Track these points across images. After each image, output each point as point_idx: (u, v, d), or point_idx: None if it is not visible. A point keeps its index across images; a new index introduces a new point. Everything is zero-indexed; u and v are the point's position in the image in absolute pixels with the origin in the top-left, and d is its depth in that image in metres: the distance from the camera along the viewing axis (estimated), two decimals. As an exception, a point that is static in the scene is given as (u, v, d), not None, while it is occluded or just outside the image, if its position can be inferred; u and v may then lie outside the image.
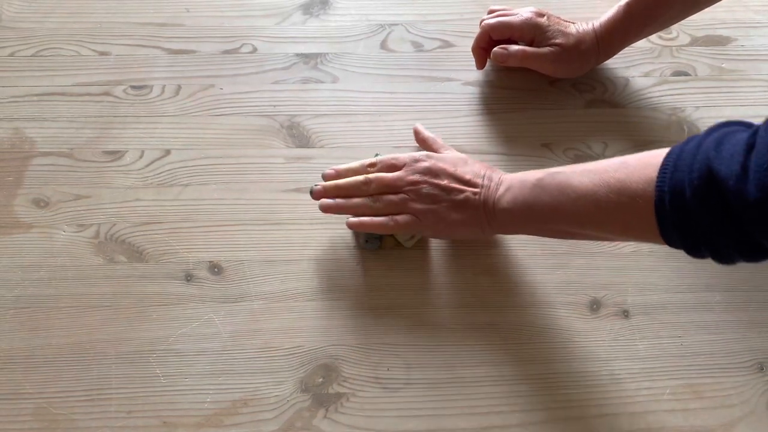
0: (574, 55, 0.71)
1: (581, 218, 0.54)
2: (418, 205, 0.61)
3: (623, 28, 0.71)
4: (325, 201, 0.63)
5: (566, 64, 0.72)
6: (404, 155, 0.63)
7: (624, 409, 0.60)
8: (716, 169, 0.43)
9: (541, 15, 0.72)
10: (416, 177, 0.61)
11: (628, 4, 0.70)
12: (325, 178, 0.64)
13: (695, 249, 0.47)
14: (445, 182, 0.60)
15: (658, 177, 0.47)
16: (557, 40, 0.71)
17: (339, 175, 0.64)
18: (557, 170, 0.56)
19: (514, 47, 0.72)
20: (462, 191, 0.60)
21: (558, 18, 0.73)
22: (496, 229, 0.61)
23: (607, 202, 0.51)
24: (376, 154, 0.66)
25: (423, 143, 0.69)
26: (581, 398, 0.61)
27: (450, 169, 0.61)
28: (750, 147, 0.42)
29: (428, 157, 0.62)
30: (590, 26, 0.72)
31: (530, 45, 0.73)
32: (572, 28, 0.72)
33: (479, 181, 0.60)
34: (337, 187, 0.63)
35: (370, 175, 0.62)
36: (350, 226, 0.63)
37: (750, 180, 0.41)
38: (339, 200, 0.62)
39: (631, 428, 0.60)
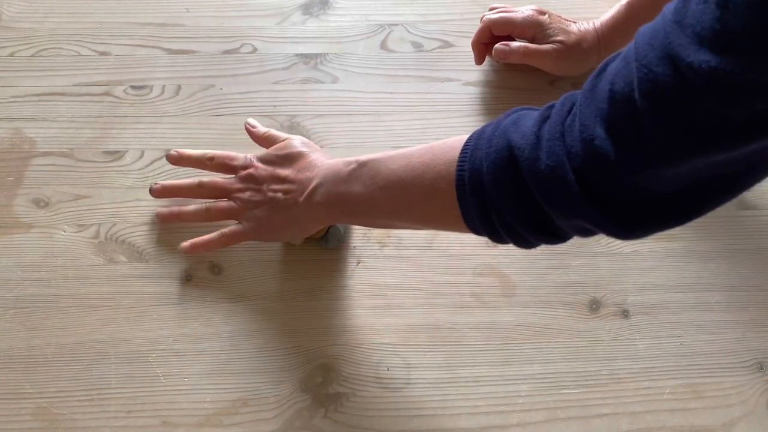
0: (575, 53, 0.71)
1: (392, 208, 0.53)
2: (245, 213, 0.61)
3: (624, 27, 0.71)
4: (161, 211, 0.65)
5: (567, 62, 0.72)
6: (240, 157, 0.63)
7: (624, 408, 0.60)
8: (512, 140, 0.43)
9: (543, 13, 0.72)
10: (241, 185, 0.62)
11: (629, 3, 0.70)
12: (169, 158, 0.65)
13: (494, 231, 0.46)
14: (264, 186, 0.60)
15: (459, 157, 0.46)
16: (559, 38, 0.71)
17: (181, 158, 0.65)
18: (370, 157, 0.54)
19: (516, 43, 0.72)
20: (277, 191, 0.59)
21: (559, 16, 0.73)
22: (316, 225, 0.61)
23: (413, 187, 0.50)
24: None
25: (260, 141, 0.66)
26: (581, 398, 0.61)
27: (272, 171, 0.60)
28: (545, 118, 0.43)
29: (253, 164, 0.62)
30: (591, 25, 0.72)
31: (531, 42, 0.73)
32: (573, 27, 0.72)
33: (297, 176, 0.59)
34: (174, 189, 0.64)
35: (204, 179, 0.63)
36: (184, 251, 0.63)
37: (542, 148, 0.41)
38: (174, 209, 0.65)
39: (630, 428, 0.60)
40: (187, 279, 0.65)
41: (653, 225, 0.40)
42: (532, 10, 0.73)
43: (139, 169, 0.70)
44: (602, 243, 0.68)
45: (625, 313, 0.65)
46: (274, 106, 0.75)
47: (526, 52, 0.72)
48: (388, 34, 0.80)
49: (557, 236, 0.45)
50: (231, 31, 0.79)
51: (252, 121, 0.67)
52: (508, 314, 0.64)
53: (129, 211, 0.68)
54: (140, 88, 0.75)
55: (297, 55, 0.78)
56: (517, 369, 0.62)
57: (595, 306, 0.65)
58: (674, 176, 0.37)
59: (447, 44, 0.80)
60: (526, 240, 0.45)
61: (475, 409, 0.60)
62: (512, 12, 0.73)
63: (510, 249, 0.67)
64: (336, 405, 0.60)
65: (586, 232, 0.43)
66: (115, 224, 0.67)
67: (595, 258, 0.67)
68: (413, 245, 0.67)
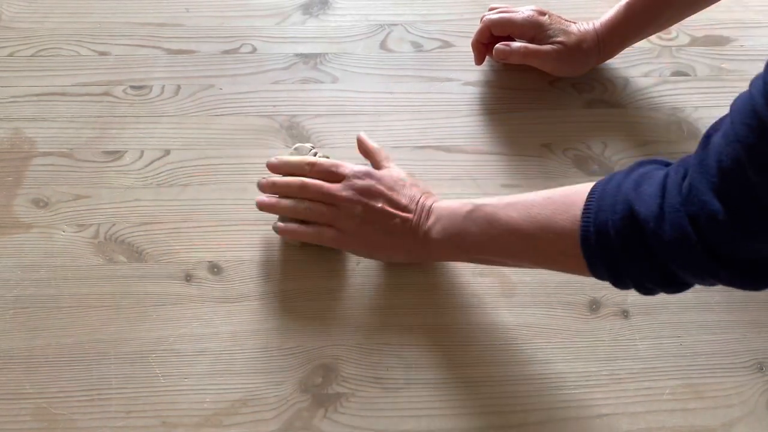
0: (575, 54, 0.71)
1: (510, 251, 0.56)
2: (348, 223, 0.61)
3: (624, 27, 0.71)
4: (262, 199, 0.63)
5: (568, 63, 0.73)
6: (346, 166, 0.62)
7: (624, 409, 0.60)
8: (637, 211, 0.46)
9: (543, 13, 0.72)
10: (352, 195, 0.60)
11: (628, 4, 0.70)
12: (269, 167, 0.64)
13: (621, 282, 0.50)
14: (379, 205, 0.60)
15: (582, 216, 0.49)
16: (559, 39, 0.71)
17: (281, 165, 0.64)
18: (484, 202, 0.57)
19: (516, 44, 0.72)
20: (394, 216, 0.60)
21: (559, 17, 0.73)
22: (425, 256, 0.63)
23: (534, 238, 0.53)
24: (313, 150, 0.66)
25: (367, 155, 0.67)
26: (581, 398, 0.61)
27: (387, 192, 0.61)
28: (663, 187, 0.46)
29: (368, 175, 0.61)
30: (591, 26, 0.72)
31: (531, 43, 0.73)
32: (573, 28, 0.72)
33: (413, 207, 0.61)
34: (281, 186, 0.63)
35: (308, 181, 0.62)
36: (278, 231, 0.63)
37: (666, 220, 0.44)
38: (273, 199, 0.63)
39: (630, 428, 0.60)
40: (187, 279, 0.65)
41: None
42: (532, 10, 0.73)
43: (139, 169, 0.70)
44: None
45: (625, 314, 0.65)
46: (274, 106, 0.75)
47: (526, 52, 0.71)
48: (388, 34, 0.80)
49: (685, 285, 0.48)
50: (231, 31, 0.79)
51: (365, 135, 0.68)
52: (507, 314, 0.64)
53: (129, 211, 0.68)
54: (140, 88, 0.75)
55: (297, 55, 0.78)
56: (516, 369, 0.62)
57: (594, 306, 0.65)
58: None
59: (447, 44, 0.80)
60: (652, 290, 0.49)
61: (474, 410, 0.60)
62: (512, 12, 0.73)
63: (510, 249, 0.67)
64: (336, 405, 0.60)
65: (714, 284, 0.47)
66: (114, 224, 0.67)
67: (595, 258, 0.67)
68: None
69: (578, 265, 0.50)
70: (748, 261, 0.43)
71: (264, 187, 0.64)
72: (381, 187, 0.61)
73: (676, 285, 0.48)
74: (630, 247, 0.47)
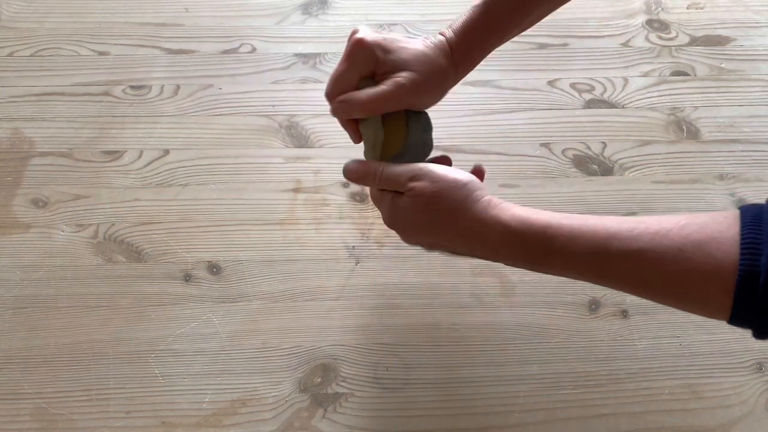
0: (430, 77, 0.55)
1: (619, 289, 0.47)
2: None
3: (482, 33, 0.56)
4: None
5: (424, 91, 0.55)
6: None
7: (623, 409, 0.60)
8: None
9: (377, 46, 0.53)
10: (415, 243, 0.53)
11: (485, 3, 0.55)
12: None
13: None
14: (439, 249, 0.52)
15: (742, 255, 0.40)
16: (404, 67, 0.54)
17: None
18: (578, 249, 0.45)
19: (357, 96, 0.53)
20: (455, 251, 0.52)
21: (394, 40, 0.55)
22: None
23: (658, 289, 0.44)
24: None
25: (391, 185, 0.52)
26: (580, 398, 0.61)
27: (439, 242, 0.51)
28: None
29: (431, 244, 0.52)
30: (438, 38, 0.56)
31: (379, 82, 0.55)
32: (415, 47, 0.55)
33: (467, 252, 0.51)
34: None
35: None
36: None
37: None
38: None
39: (629, 428, 0.59)
40: (186, 279, 0.65)
41: None
42: (362, 47, 0.53)
43: (138, 169, 0.70)
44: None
45: (624, 314, 0.65)
46: (273, 105, 0.75)
47: (369, 100, 0.53)
48: (388, 33, 0.80)
49: None
50: (230, 30, 0.79)
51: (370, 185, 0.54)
52: (507, 314, 0.64)
53: (128, 211, 0.68)
54: (139, 87, 0.75)
55: (296, 54, 0.78)
56: (516, 369, 0.62)
57: (594, 306, 0.65)
58: None
59: (446, 44, 0.80)
60: None
61: (474, 410, 0.60)
62: (340, 75, 0.54)
63: (509, 249, 0.66)
64: (335, 405, 0.60)
65: None
66: (113, 224, 0.67)
67: (595, 258, 0.67)
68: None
69: (714, 311, 0.43)
70: None
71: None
72: (432, 239, 0.51)
73: None
74: None
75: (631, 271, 0.44)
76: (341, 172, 0.54)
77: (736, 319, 0.42)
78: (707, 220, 0.43)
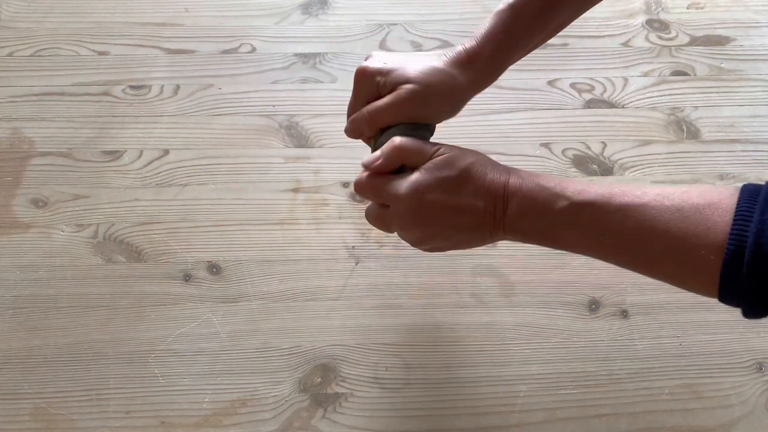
0: (433, 92, 0.54)
1: (616, 259, 0.48)
2: (411, 241, 0.53)
3: (505, 39, 0.54)
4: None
5: (428, 104, 0.55)
6: (390, 191, 0.51)
7: (623, 409, 0.60)
8: None
9: (377, 73, 0.54)
10: (404, 224, 0.51)
11: (512, 8, 0.54)
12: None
13: (761, 313, 0.42)
14: (437, 223, 0.50)
15: (733, 228, 0.41)
16: (403, 80, 0.53)
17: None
18: (587, 198, 0.47)
19: (360, 112, 0.55)
20: (459, 226, 0.50)
21: (400, 62, 0.55)
22: (501, 240, 0.53)
23: (655, 254, 0.45)
24: None
25: (408, 160, 0.52)
26: (580, 399, 0.61)
27: (443, 199, 0.50)
28: None
29: (414, 194, 0.50)
30: (454, 51, 0.55)
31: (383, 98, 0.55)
32: (421, 64, 0.54)
33: (480, 204, 0.50)
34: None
35: (367, 209, 0.54)
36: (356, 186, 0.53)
37: None
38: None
39: (629, 428, 0.59)
40: (186, 279, 0.64)
41: None
42: (364, 74, 0.54)
43: (138, 169, 0.70)
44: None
45: (624, 314, 0.65)
46: (273, 105, 0.75)
47: (369, 112, 0.54)
48: (387, 33, 0.80)
49: None
50: (230, 30, 0.79)
51: (400, 140, 0.53)
52: (507, 314, 0.64)
53: (127, 211, 0.68)
54: (139, 87, 0.75)
55: (296, 54, 0.78)
56: (515, 369, 0.62)
57: (594, 306, 0.65)
58: None
59: (446, 44, 0.80)
60: None
61: (473, 410, 0.60)
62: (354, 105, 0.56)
63: (509, 248, 0.67)
64: (335, 405, 0.60)
65: None
66: (113, 224, 0.67)
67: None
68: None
69: (704, 284, 0.43)
70: None
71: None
72: (434, 198, 0.50)
73: None
74: None
75: (632, 226, 0.45)
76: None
77: (725, 286, 0.42)
78: (709, 189, 0.44)
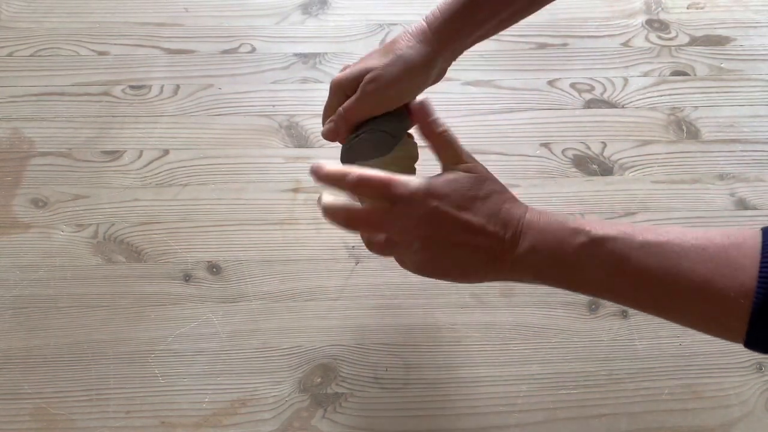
0: (394, 69, 0.54)
1: (640, 304, 0.45)
2: (407, 257, 0.50)
3: (466, 11, 0.54)
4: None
5: (392, 84, 0.55)
6: (399, 184, 0.46)
7: (623, 409, 0.60)
8: None
9: (344, 78, 0.56)
10: (407, 227, 0.47)
11: None
12: (313, 173, 0.49)
13: None
14: (444, 233, 0.46)
15: (760, 281, 0.40)
16: (369, 65, 0.55)
17: (324, 176, 0.49)
18: (604, 233, 0.44)
19: (336, 115, 0.57)
20: (466, 244, 0.47)
21: (363, 58, 0.57)
22: (509, 279, 0.49)
23: (680, 299, 0.43)
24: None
25: (441, 150, 0.50)
26: (580, 398, 0.61)
27: (454, 213, 0.46)
28: None
29: (428, 195, 0.46)
30: (417, 24, 0.56)
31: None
32: (378, 50, 0.57)
33: (492, 228, 0.46)
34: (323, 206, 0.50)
35: (354, 211, 0.49)
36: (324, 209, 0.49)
37: None
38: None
39: (629, 428, 0.59)
40: (186, 279, 0.64)
41: None
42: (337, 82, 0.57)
43: (138, 169, 0.70)
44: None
45: (624, 314, 0.65)
46: (273, 105, 0.75)
47: (344, 109, 0.56)
48: (387, 33, 0.80)
49: None
50: (230, 30, 0.79)
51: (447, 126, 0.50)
52: (507, 314, 0.64)
53: (127, 211, 0.68)
54: (139, 87, 0.75)
55: (296, 54, 0.78)
56: (515, 369, 0.62)
57: (594, 306, 0.65)
58: None
59: (446, 44, 0.80)
60: None
61: (473, 410, 0.60)
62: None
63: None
64: (335, 405, 0.60)
65: None
66: (113, 224, 0.67)
67: (594, 258, 0.67)
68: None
69: (730, 329, 0.41)
70: None
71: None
72: (446, 209, 0.46)
73: None
74: None
75: (655, 263, 0.43)
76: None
77: (754, 330, 0.40)
78: (730, 229, 0.43)
